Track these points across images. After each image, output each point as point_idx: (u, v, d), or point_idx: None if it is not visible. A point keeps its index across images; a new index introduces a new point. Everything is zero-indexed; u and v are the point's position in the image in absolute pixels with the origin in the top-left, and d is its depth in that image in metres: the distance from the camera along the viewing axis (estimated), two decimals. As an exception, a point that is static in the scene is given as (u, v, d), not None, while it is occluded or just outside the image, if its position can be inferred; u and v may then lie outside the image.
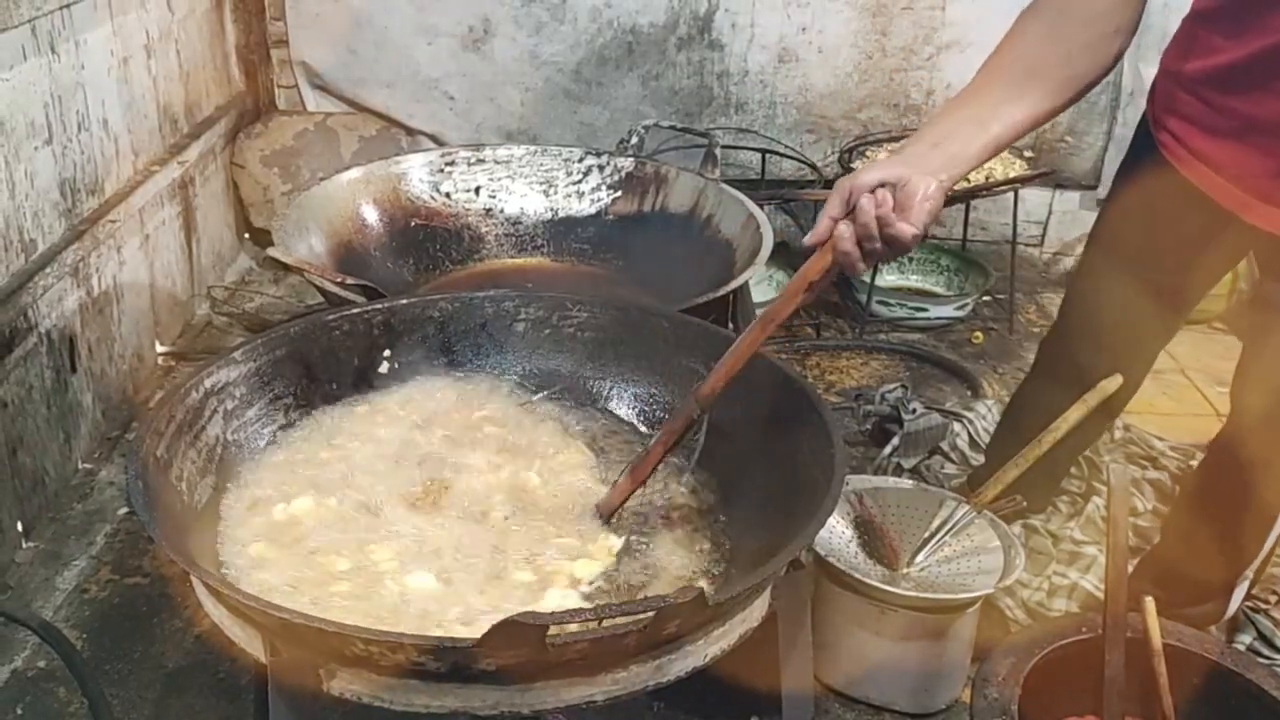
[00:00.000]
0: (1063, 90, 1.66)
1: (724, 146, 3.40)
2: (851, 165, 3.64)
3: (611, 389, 2.06)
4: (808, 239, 1.63)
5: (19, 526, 2.45)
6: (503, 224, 2.94)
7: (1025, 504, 2.60)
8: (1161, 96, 1.95)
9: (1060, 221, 4.14)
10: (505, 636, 1.23)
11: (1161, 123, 1.94)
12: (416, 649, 1.30)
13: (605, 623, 1.28)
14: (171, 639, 2.23)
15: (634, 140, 2.95)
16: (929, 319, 3.65)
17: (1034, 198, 4.07)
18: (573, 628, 1.28)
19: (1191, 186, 1.90)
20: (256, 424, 1.84)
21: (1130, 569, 1.81)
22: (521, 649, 1.27)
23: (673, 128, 3.27)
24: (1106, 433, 2.86)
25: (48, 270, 2.50)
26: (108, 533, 2.54)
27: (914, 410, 2.92)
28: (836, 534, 2.16)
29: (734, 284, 2.36)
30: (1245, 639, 2.31)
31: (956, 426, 2.92)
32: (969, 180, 3.51)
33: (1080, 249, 2.41)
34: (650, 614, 1.29)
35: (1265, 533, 2.16)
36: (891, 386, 3.08)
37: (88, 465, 2.75)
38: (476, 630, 1.27)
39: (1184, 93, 1.88)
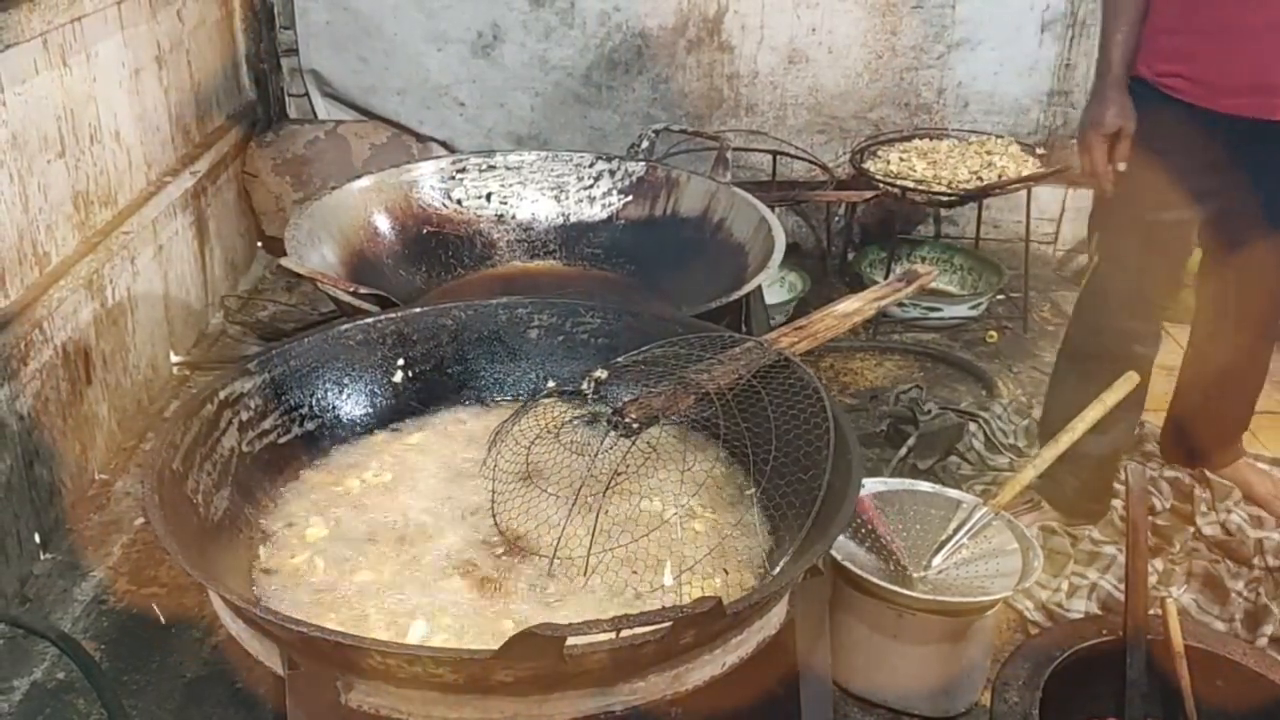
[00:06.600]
0: None
1: (735, 149, 3.39)
2: (863, 165, 3.62)
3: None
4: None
5: (36, 538, 2.46)
6: (514, 230, 2.95)
7: (1045, 504, 2.59)
8: (1146, 38, 2.25)
9: (1073, 219, 4.11)
10: (523, 648, 1.23)
11: (1147, 62, 2.24)
12: (434, 661, 1.30)
13: (622, 633, 1.27)
14: (189, 649, 2.24)
15: (644, 144, 2.95)
16: (943, 318, 3.64)
17: (1047, 195, 4.05)
18: (590, 639, 1.28)
19: (1176, 107, 2.18)
20: (272, 435, 1.84)
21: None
22: (539, 660, 1.26)
23: (683, 131, 3.27)
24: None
25: (62, 283, 2.51)
26: (124, 543, 2.54)
27: (929, 411, 2.91)
28: (853, 538, 2.15)
29: (747, 288, 2.35)
30: (1268, 630, 2.30)
31: (972, 427, 2.91)
32: (981, 179, 3.51)
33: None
34: (667, 624, 1.28)
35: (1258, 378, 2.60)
36: (906, 387, 3.07)
37: (104, 476, 2.75)
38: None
39: (1160, 19, 2.21)
